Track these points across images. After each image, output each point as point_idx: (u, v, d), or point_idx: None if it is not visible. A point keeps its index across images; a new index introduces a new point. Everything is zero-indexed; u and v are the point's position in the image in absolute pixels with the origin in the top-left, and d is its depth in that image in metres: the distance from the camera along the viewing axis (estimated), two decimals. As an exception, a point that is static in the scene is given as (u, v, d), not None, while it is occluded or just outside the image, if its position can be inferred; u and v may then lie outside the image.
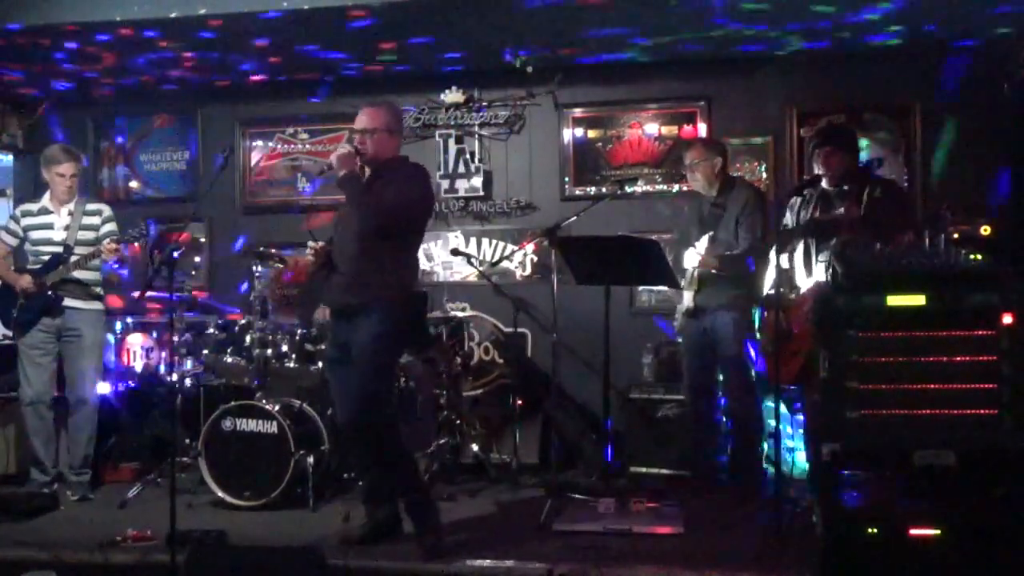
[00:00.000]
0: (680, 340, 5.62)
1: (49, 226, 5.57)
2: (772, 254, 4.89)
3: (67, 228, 5.54)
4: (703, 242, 5.30)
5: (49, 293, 5.44)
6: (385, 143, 4.42)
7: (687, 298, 5.38)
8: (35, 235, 5.59)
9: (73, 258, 5.45)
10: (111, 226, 5.63)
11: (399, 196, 4.29)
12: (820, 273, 4.78)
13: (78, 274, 5.47)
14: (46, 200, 5.63)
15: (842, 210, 4.85)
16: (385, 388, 4.44)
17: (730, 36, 5.91)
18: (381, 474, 4.43)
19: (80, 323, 5.51)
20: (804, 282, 4.98)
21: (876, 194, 4.82)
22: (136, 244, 5.57)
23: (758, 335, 5.26)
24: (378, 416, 4.30)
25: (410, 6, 5.41)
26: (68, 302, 5.49)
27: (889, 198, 4.88)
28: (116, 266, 5.58)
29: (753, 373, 5.29)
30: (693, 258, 5.30)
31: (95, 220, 5.61)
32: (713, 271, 5.26)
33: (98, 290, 5.61)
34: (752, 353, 5.26)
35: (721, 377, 5.37)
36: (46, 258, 5.51)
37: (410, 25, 5.75)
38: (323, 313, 5.84)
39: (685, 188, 6.40)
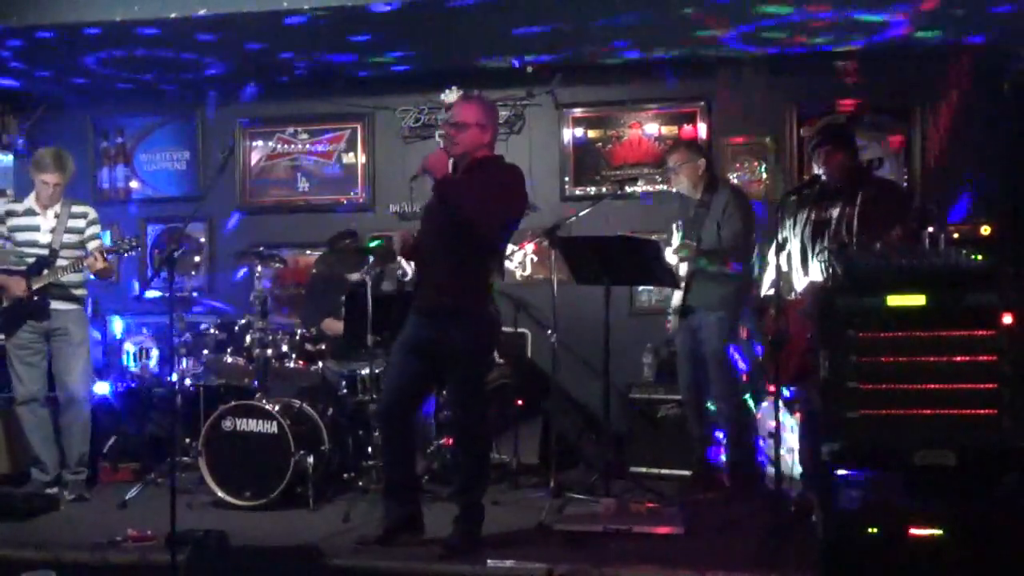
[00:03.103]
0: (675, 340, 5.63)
1: (35, 228, 5.53)
2: (771, 254, 4.89)
3: (53, 231, 5.50)
4: (675, 238, 5.37)
5: (35, 298, 5.41)
6: (476, 138, 4.33)
7: (676, 297, 5.41)
8: (20, 236, 5.53)
9: (61, 262, 5.41)
10: (95, 228, 5.60)
11: (497, 202, 4.24)
12: (816, 273, 4.78)
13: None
14: (31, 201, 5.57)
15: (837, 211, 4.85)
16: (485, 391, 4.54)
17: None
18: (477, 470, 4.44)
19: (67, 322, 5.49)
20: (800, 282, 4.99)
21: (872, 194, 4.82)
22: (127, 255, 5.51)
23: (756, 336, 5.27)
24: (481, 418, 4.41)
25: (411, 6, 5.41)
26: (53, 304, 5.45)
27: (885, 198, 4.87)
28: (95, 277, 5.51)
29: (737, 372, 5.31)
30: (671, 256, 5.35)
31: (80, 223, 5.57)
32: (691, 264, 5.30)
33: (79, 292, 5.57)
34: (736, 353, 5.29)
35: (707, 377, 5.39)
36: (31, 260, 5.47)
37: (410, 25, 5.75)
38: (331, 327, 5.85)
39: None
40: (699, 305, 5.33)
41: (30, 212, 5.56)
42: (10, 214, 5.60)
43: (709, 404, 5.47)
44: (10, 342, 5.51)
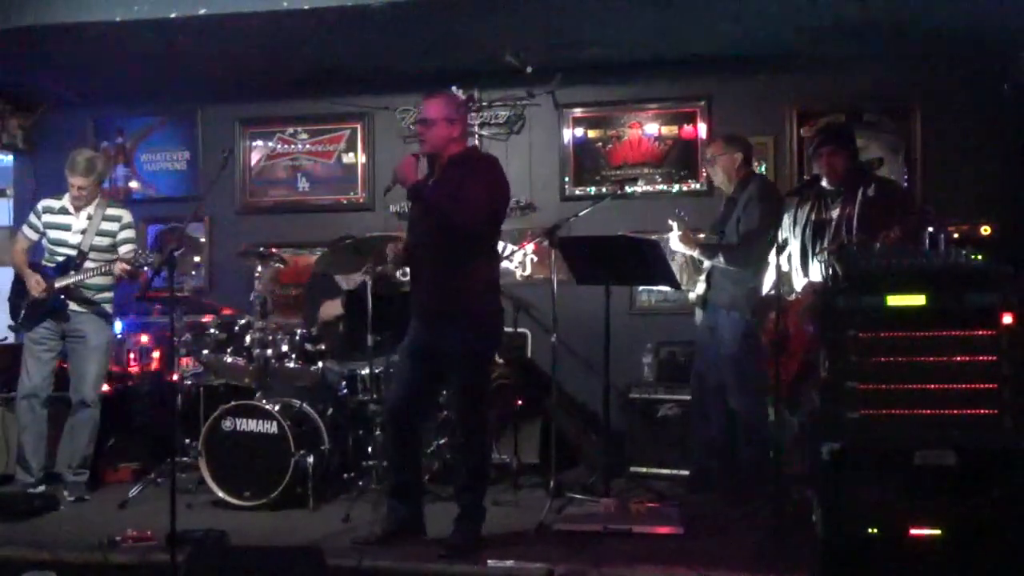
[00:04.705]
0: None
1: (66, 227, 5.54)
2: (772, 255, 4.88)
3: (83, 232, 5.52)
4: (674, 227, 5.30)
5: (61, 296, 5.44)
6: (444, 133, 4.32)
7: (700, 287, 5.38)
8: (52, 234, 5.57)
9: (88, 264, 5.43)
10: (128, 233, 5.61)
11: (474, 193, 4.21)
12: (816, 273, 4.77)
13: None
14: (67, 200, 5.58)
15: (837, 211, 4.85)
16: (486, 391, 4.52)
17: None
18: (477, 470, 4.44)
19: (85, 325, 5.50)
20: (800, 283, 4.98)
21: (871, 193, 4.82)
22: (145, 269, 5.48)
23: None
24: (481, 419, 4.40)
25: (411, 6, 5.41)
26: (72, 306, 5.48)
27: (884, 197, 4.86)
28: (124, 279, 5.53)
29: (755, 375, 5.26)
30: (675, 242, 5.30)
31: (113, 226, 5.58)
32: (696, 255, 5.29)
33: (103, 296, 5.58)
34: (753, 355, 5.23)
35: (724, 375, 5.36)
36: (60, 259, 5.50)
37: (410, 25, 5.75)
38: (332, 305, 5.87)
39: (685, 188, 6.46)
40: (714, 302, 5.31)
41: (64, 211, 5.58)
42: (47, 210, 5.61)
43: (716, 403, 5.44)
44: (28, 335, 5.54)
